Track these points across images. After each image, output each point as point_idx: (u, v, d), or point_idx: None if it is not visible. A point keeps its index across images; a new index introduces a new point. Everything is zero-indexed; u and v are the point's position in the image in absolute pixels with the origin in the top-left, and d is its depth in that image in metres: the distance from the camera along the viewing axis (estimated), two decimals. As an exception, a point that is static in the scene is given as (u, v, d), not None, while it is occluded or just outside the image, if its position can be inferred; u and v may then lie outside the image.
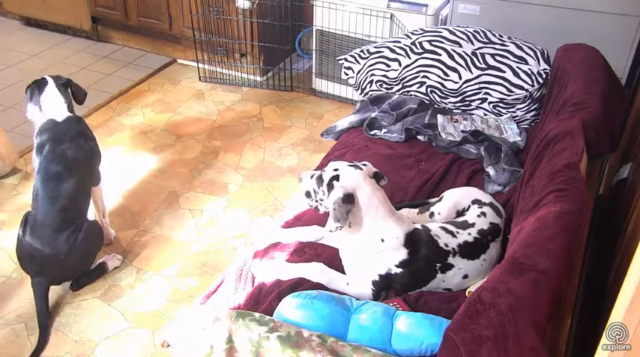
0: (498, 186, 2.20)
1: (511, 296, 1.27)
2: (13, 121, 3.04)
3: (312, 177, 1.77)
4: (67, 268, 2.32)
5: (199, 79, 4.07)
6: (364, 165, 1.77)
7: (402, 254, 1.69)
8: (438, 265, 1.72)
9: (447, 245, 1.73)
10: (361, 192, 1.68)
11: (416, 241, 1.71)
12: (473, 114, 2.64)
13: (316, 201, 1.77)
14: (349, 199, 1.65)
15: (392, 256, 1.69)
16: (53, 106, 2.43)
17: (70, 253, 2.26)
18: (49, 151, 2.32)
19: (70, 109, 2.48)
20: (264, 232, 2.01)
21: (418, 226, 1.76)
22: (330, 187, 1.69)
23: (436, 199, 2.03)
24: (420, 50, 2.63)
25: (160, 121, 3.62)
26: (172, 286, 2.46)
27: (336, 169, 1.72)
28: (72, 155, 2.33)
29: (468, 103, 2.64)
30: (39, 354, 2.14)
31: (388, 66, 2.69)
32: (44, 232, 2.23)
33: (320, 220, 1.98)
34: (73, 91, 2.55)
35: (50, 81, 2.47)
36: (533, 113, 2.58)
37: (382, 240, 1.69)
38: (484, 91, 2.57)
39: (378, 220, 1.69)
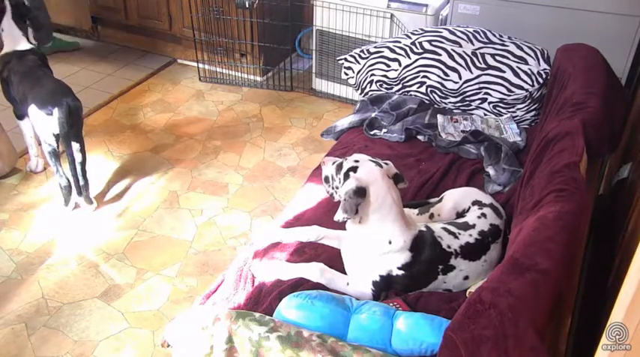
0: (498, 186, 2.20)
1: (511, 296, 1.26)
2: (13, 121, 3.03)
3: (333, 163, 1.76)
4: None
5: (199, 79, 4.07)
6: (386, 163, 1.75)
7: (406, 257, 1.69)
8: (440, 266, 1.72)
9: (449, 247, 1.73)
10: (375, 189, 1.66)
11: (420, 244, 1.70)
12: (473, 114, 2.64)
13: (332, 188, 1.76)
14: (360, 192, 1.63)
15: (395, 259, 1.69)
16: None
17: None
18: None
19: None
20: (264, 232, 2.01)
21: (422, 227, 1.75)
22: (346, 176, 1.68)
23: (436, 199, 2.02)
24: (420, 50, 2.63)
25: (160, 121, 3.61)
26: (172, 286, 2.46)
27: (356, 161, 1.71)
28: None
29: (468, 103, 2.63)
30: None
31: (388, 66, 2.69)
32: None
33: (320, 220, 1.98)
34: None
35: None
36: (533, 113, 2.58)
37: (390, 242, 1.68)
38: (484, 91, 2.57)
39: (388, 220, 1.68)
